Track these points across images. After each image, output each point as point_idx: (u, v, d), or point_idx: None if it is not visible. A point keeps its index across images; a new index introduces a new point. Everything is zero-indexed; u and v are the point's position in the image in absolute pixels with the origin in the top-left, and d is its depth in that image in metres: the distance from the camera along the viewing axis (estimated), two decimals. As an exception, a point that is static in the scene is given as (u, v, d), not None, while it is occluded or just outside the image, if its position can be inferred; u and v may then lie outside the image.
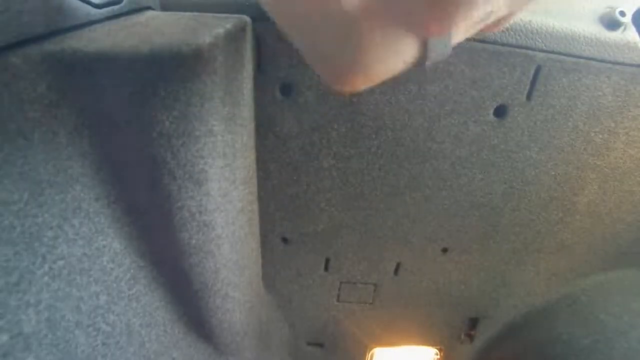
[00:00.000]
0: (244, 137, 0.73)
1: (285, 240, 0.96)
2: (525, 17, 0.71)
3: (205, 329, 0.78)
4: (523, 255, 1.00)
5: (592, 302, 1.05)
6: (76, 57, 0.45)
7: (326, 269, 1.01)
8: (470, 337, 1.15)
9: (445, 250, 0.98)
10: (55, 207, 0.47)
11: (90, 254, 0.53)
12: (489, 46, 0.71)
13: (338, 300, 1.07)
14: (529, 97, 0.76)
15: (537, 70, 0.74)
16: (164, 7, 0.70)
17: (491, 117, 0.78)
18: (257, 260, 0.95)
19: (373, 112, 0.76)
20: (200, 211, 0.60)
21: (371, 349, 1.15)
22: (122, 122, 0.50)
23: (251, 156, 0.79)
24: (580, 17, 0.74)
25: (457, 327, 1.15)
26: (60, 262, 0.48)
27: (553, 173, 0.87)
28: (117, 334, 0.58)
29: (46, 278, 0.46)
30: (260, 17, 0.68)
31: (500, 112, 0.78)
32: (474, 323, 1.14)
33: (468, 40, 0.72)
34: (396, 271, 1.02)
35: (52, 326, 0.46)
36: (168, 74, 0.47)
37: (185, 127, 0.51)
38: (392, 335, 1.14)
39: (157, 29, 0.54)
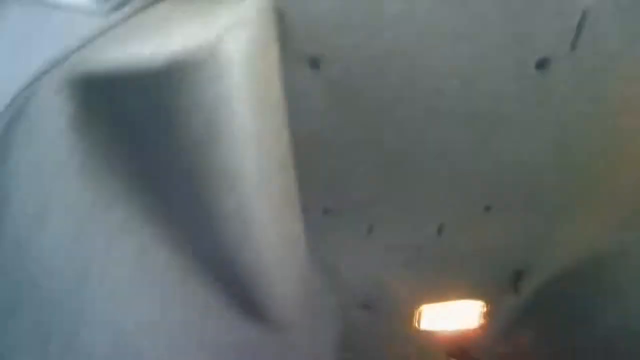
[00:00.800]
0: (277, 119, 0.71)
1: (327, 210, 0.95)
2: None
3: (257, 310, 0.80)
4: (570, 209, 0.97)
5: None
6: (96, 75, 0.44)
7: (369, 234, 1.01)
8: (516, 289, 1.14)
9: (488, 208, 0.96)
10: (102, 229, 0.47)
11: (141, 269, 0.54)
12: None
13: (383, 264, 1.08)
14: (573, 46, 0.70)
15: (585, 14, 0.67)
16: None
17: (532, 71, 0.73)
18: (299, 234, 0.96)
19: (404, 80, 0.72)
20: (241, 207, 0.60)
21: (419, 306, 1.17)
22: (152, 134, 0.49)
23: (285, 135, 0.78)
24: None
25: (503, 280, 1.14)
26: (115, 282, 0.49)
27: (603, 124, 0.81)
28: (176, 331, 0.61)
29: (103, 301, 0.47)
30: None
31: (543, 64, 0.72)
32: (518, 275, 1.13)
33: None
34: (439, 232, 1.01)
35: (117, 344, 0.48)
36: (189, 80, 0.46)
37: (214, 131, 0.50)
38: (439, 293, 1.15)
39: (171, 29, 0.51)
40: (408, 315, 1.18)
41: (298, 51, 0.69)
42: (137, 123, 0.49)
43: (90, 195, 0.45)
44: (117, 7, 0.53)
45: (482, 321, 1.20)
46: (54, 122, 0.41)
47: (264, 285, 0.78)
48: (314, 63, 0.71)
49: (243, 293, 0.77)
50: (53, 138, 0.40)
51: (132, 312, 0.51)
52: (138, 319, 0.52)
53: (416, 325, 1.18)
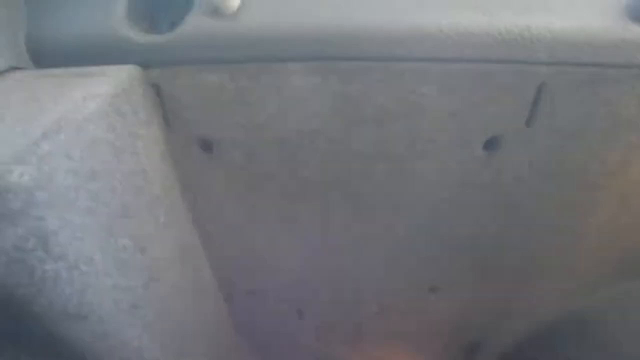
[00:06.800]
0: (164, 208, 0.59)
1: (251, 292, 0.83)
2: (521, 20, 0.52)
3: None
4: (524, 282, 0.86)
5: (605, 319, 0.92)
6: None
7: (300, 317, 0.88)
8: (471, 363, 1.03)
9: (434, 288, 0.84)
10: None
11: None
12: (471, 67, 0.53)
13: (318, 341, 0.95)
14: (529, 122, 0.59)
15: (540, 89, 0.56)
16: (37, 62, 0.53)
17: (480, 152, 0.61)
18: (220, 313, 0.83)
19: (320, 164, 0.60)
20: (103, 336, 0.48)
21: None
22: None
23: (184, 220, 0.65)
24: (597, 10, 0.54)
25: (455, 354, 1.03)
26: None
27: (559, 200, 0.70)
28: None
29: None
30: (154, 63, 0.51)
31: (492, 144, 0.61)
32: (473, 348, 1.02)
33: (441, 61, 0.55)
34: (379, 311, 0.88)
35: None
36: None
37: (33, 272, 0.38)
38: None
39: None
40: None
41: (184, 131, 0.57)
42: None
43: None
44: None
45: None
46: None
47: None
48: (206, 145, 0.58)
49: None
50: None
51: None
52: None
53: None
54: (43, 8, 0.53)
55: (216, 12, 0.49)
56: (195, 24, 0.49)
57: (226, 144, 0.58)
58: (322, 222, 0.68)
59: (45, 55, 0.53)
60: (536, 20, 0.52)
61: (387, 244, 0.73)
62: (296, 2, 0.50)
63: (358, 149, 0.59)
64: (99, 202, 0.43)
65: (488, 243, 0.75)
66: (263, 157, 0.59)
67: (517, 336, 1.00)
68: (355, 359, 0.99)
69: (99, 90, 0.44)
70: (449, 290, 0.84)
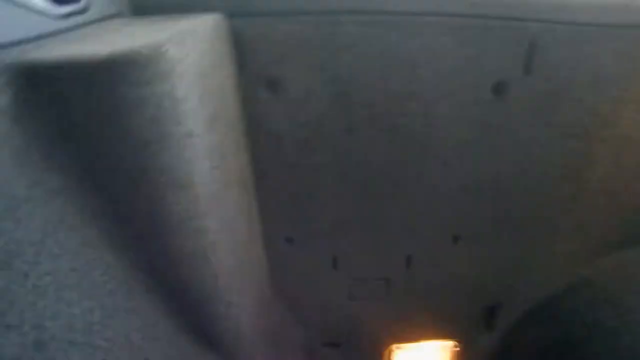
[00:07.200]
0: (233, 138, 0.71)
1: (290, 240, 0.93)
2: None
3: (212, 338, 0.76)
4: (537, 238, 0.96)
5: (614, 282, 1.00)
6: (37, 67, 0.44)
7: (335, 267, 0.98)
8: (490, 326, 1.11)
9: (456, 238, 0.95)
10: (34, 222, 0.45)
11: (79, 268, 0.51)
12: (479, 21, 0.68)
13: (350, 298, 1.04)
14: (527, 70, 0.73)
15: (533, 42, 0.70)
16: (136, 12, 0.69)
17: (490, 95, 0.75)
18: (262, 262, 0.93)
19: (365, 101, 0.74)
20: (190, 217, 0.59)
21: (388, 345, 1.12)
22: (96, 130, 0.49)
23: (244, 157, 0.78)
24: None
25: (475, 317, 1.11)
26: (47, 278, 0.46)
27: (561, 149, 0.83)
28: (116, 349, 0.56)
29: (30, 296, 0.44)
30: (237, 13, 0.67)
31: (499, 88, 0.74)
32: (492, 311, 1.10)
33: (457, 17, 0.71)
34: (408, 264, 0.98)
35: (41, 347, 0.45)
36: (133, 78, 0.46)
37: (161, 130, 0.50)
38: (409, 330, 1.10)
39: (122, 34, 0.53)
40: (377, 356, 1.13)
41: (255, 73, 0.71)
42: (80, 119, 0.49)
43: (24, 184, 0.44)
44: (71, 14, 0.55)
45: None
46: None
47: (218, 313, 0.74)
48: (272, 86, 0.72)
49: (195, 319, 0.73)
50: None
51: (62, 315, 0.48)
52: (69, 323, 0.48)
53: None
54: None
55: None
56: None
57: (289, 84, 0.72)
58: (361, 158, 0.81)
59: (143, 6, 0.68)
60: None
61: (417, 186, 0.85)
62: None
63: (395, 89, 0.73)
64: (204, 95, 0.57)
65: (503, 189, 0.87)
66: (319, 95, 0.74)
67: (531, 301, 1.08)
68: (383, 313, 1.07)
69: (198, 23, 0.60)
70: (471, 239, 0.95)
